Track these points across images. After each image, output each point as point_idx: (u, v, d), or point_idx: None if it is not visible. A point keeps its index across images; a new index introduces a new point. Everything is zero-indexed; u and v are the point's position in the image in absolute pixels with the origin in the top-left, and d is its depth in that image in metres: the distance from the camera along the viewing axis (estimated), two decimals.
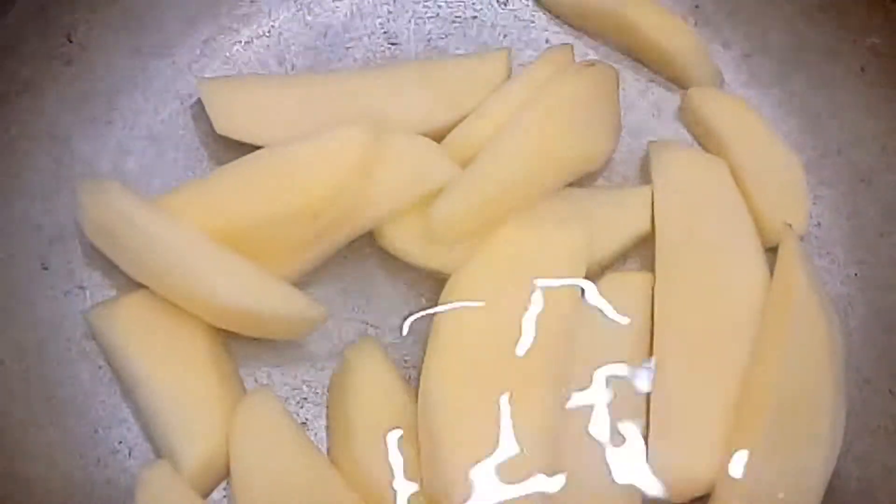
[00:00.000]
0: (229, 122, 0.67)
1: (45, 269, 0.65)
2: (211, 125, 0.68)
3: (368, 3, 0.75)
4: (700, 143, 0.71)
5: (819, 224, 0.69)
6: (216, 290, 0.59)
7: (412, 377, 0.64)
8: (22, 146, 0.67)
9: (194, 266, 0.60)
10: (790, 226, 0.66)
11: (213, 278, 0.59)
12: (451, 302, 0.62)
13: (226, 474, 0.60)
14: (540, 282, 0.62)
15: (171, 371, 0.60)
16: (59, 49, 0.69)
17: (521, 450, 0.58)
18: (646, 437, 0.60)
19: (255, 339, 0.63)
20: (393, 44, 0.74)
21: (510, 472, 0.57)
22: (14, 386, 0.62)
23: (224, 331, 0.62)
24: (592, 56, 0.73)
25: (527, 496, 0.57)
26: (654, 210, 0.66)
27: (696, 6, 0.75)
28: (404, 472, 0.58)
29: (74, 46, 0.70)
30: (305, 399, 0.64)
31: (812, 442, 0.59)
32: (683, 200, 0.66)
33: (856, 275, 0.68)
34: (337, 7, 0.75)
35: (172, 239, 0.60)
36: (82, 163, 0.68)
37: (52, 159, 0.67)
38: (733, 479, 0.59)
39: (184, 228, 0.61)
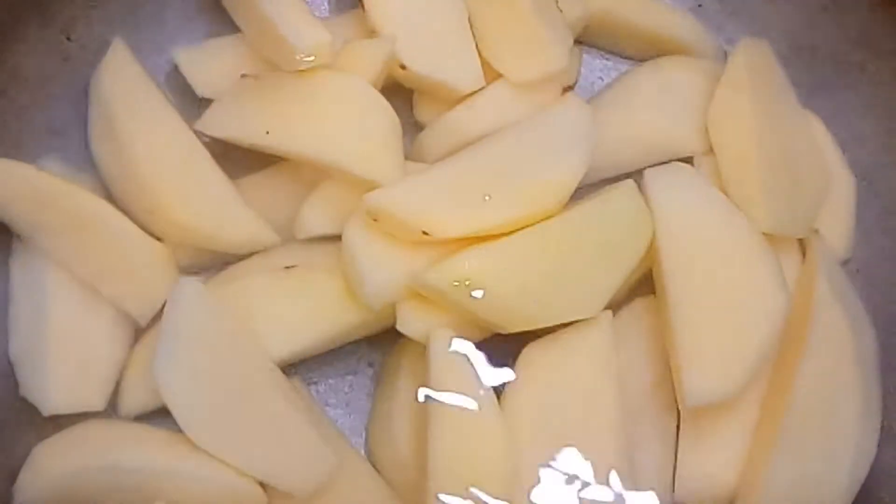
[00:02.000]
0: (209, 85, 0.68)
1: None
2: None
3: None
4: None
5: None
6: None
7: None
8: (21, 142, 0.67)
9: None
10: (817, 231, 0.66)
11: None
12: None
13: None
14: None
15: None
16: (58, 46, 0.69)
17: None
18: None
19: None
20: None
21: None
22: None
23: None
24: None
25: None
26: (657, 236, 0.62)
27: (699, 5, 0.76)
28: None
29: (73, 43, 0.69)
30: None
31: (836, 452, 0.59)
32: (686, 222, 0.63)
33: (857, 271, 0.68)
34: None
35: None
36: (81, 159, 0.67)
37: (50, 155, 0.66)
38: (756, 487, 0.59)
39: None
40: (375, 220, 0.60)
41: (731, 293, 0.60)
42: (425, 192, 0.61)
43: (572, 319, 0.60)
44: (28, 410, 0.61)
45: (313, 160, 0.63)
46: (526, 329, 0.60)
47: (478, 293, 0.58)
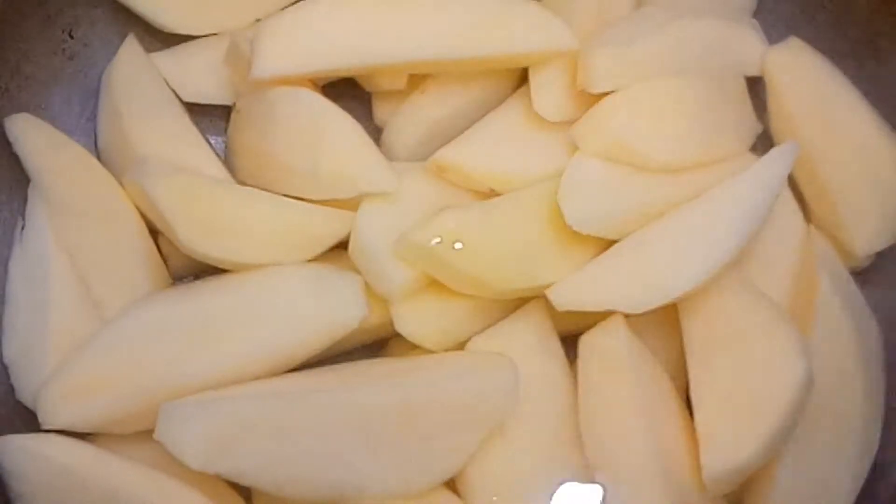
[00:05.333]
0: (193, 89, 0.69)
1: None
2: (212, 120, 0.69)
3: None
4: None
5: None
6: None
7: None
8: None
9: None
10: (817, 230, 0.66)
11: None
12: None
13: None
14: None
15: None
16: (61, 45, 0.69)
17: None
18: None
19: None
20: None
21: None
22: None
23: None
24: None
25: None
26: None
27: None
28: None
29: (76, 42, 0.70)
30: None
31: (840, 450, 0.59)
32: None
33: (858, 271, 0.67)
34: None
35: None
36: None
37: None
38: (763, 487, 0.59)
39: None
40: (443, 172, 0.63)
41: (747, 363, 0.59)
42: (491, 148, 0.64)
43: (550, 282, 0.60)
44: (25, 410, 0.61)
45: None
46: (509, 291, 0.61)
47: (458, 246, 0.59)
